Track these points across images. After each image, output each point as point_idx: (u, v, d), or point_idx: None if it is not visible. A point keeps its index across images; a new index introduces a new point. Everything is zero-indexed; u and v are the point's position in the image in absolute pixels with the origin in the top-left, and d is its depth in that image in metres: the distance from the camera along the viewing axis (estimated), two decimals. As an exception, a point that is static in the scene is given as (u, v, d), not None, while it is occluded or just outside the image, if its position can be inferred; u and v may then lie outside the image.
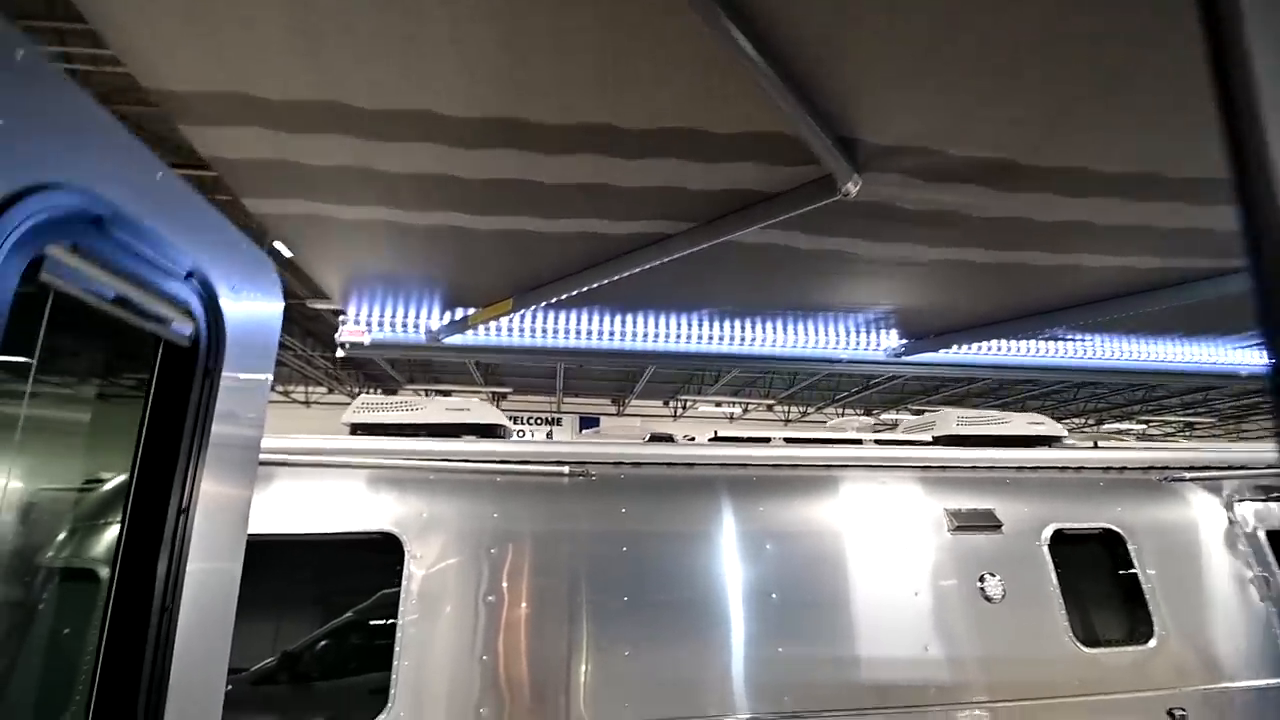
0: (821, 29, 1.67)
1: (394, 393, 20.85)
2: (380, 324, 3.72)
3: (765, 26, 1.66)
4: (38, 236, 0.86)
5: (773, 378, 21.23)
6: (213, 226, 1.30)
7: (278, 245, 8.98)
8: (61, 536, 1.54)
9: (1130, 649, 2.92)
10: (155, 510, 1.19)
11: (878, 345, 4.00)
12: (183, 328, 1.21)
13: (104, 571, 1.23)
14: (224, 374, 1.30)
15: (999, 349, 4.04)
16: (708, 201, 2.51)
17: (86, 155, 0.97)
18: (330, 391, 21.94)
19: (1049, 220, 2.56)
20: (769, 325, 3.85)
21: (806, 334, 3.90)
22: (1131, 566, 3.04)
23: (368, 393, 21.25)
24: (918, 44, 1.70)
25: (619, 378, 21.66)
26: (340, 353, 3.69)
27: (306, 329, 17.51)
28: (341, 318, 3.71)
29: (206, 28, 1.73)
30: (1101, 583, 3.08)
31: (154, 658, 1.15)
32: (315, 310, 13.93)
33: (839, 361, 3.99)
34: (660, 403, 24.43)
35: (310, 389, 22.60)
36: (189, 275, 1.21)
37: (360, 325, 3.68)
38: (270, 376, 1.53)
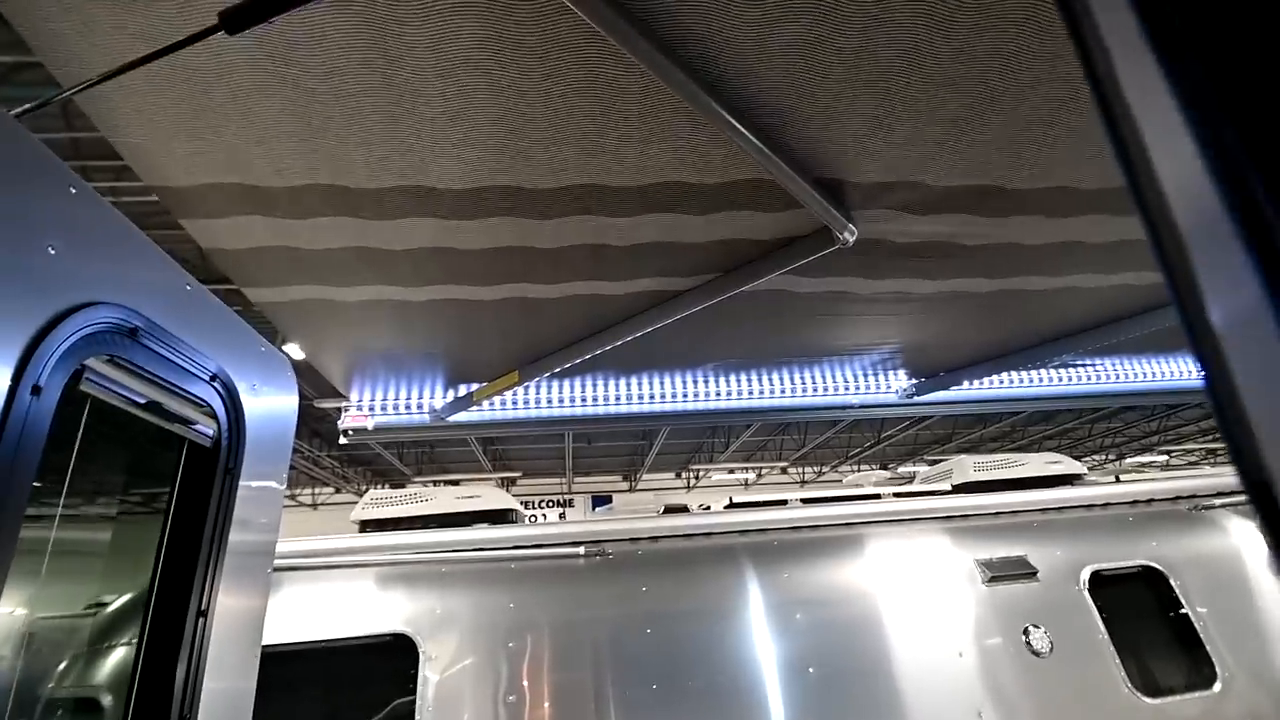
0: (786, 82, 1.75)
1: (402, 486, 20.50)
2: (384, 407, 3.69)
3: (734, 89, 1.73)
4: (81, 350, 0.95)
5: (784, 440, 20.95)
6: (235, 331, 1.39)
7: (286, 349, 9.18)
8: (83, 641, 1.51)
9: (1196, 695, 2.71)
10: (175, 613, 1.22)
11: (888, 387, 3.94)
12: (205, 428, 1.28)
13: (120, 684, 1.25)
14: (244, 470, 1.35)
15: (1011, 381, 3.99)
16: (704, 254, 2.54)
17: (125, 274, 1.06)
18: (338, 491, 21.63)
19: (1040, 243, 2.58)
20: (777, 376, 3.81)
21: (815, 382, 3.86)
22: (1179, 605, 2.88)
23: (375, 488, 20.86)
24: (877, 85, 1.77)
25: (628, 452, 21.37)
26: (343, 440, 3.64)
27: (313, 429, 17.49)
28: (344, 404, 3.68)
29: (207, 124, 1.81)
30: (1149, 625, 2.90)
31: None
32: (323, 410, 14.00)
33: (851, 407, 3.92)
34: (672, 474, 23.96)
35: (317, 490, 22.30)
36: (213, 378, 1.28)
37: (363, 410, 3.65)
38: (286, 468, 1.57)
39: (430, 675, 2.39)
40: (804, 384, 3.90)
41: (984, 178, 2.20)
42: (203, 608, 1.25)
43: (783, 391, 3.89)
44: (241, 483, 1.34)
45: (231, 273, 2.39)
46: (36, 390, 0.87)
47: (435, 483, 19.86)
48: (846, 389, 3.92)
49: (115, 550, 1.52)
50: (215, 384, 1.28)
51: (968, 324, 3.29)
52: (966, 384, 3.91)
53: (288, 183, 2.01)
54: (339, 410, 3.69)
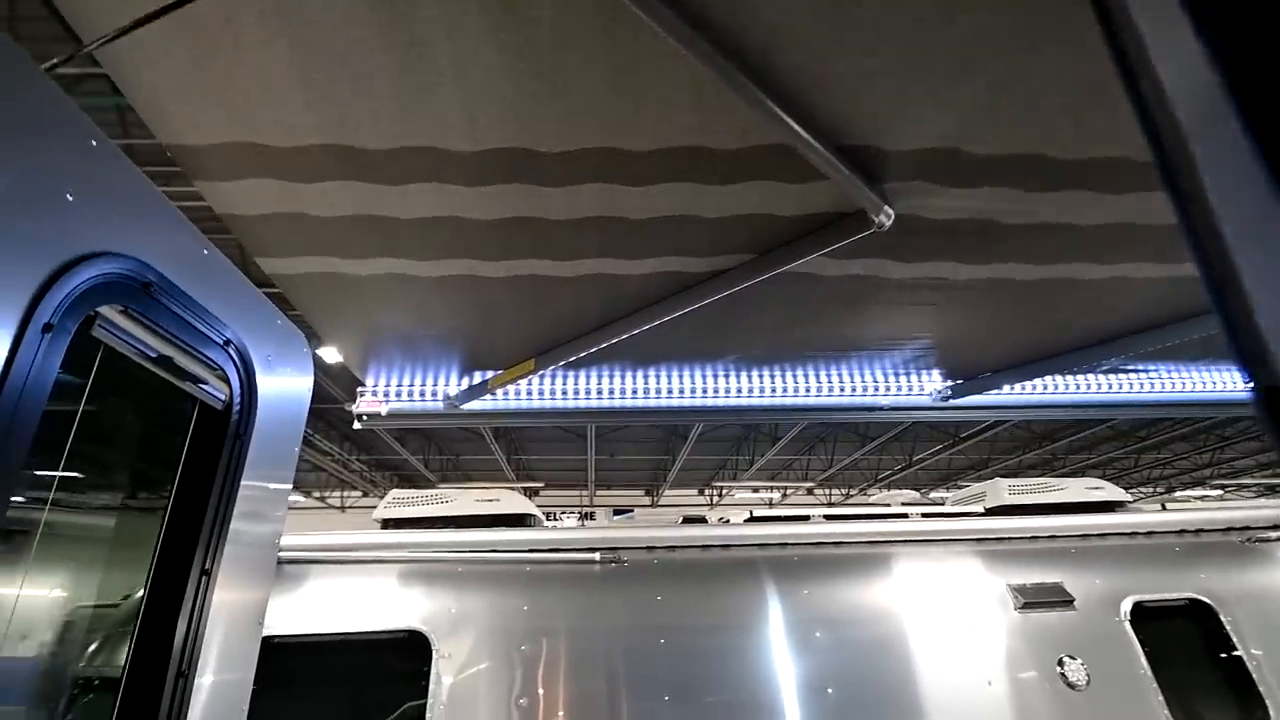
0: (811, 43, 1.64)
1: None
2: (398, 393, 3.64)
3: (760, 55, 1.63)
4: (93, 297, 0.99)
5: (810, 460, 20.47)
6: (251, 302, 1.41)
7: (320, 353, 9.41)
8: (87, 591, 1.55)
9: None
10: (177, 578, 1.23)
11: (921, 389, 3.73)
12: (218, 391, 1.30)
13: (124, 629, 1.28)
14: (254, 438, 1.36)
15: (1055, 387, 3.74)
16: (723, 231, 2.43)
17: (141, 230, 1.10)
18: (365, 495, 21.96)
19: (1090, 223, 2.39)
20: (800, 373, 3.65)
21: (842, 380, 3.68)
22: (1229, 642, 2.72)
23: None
24: (910, 41, 1.64)
25: (651, 467, 21.15)
26: (356, 425, 3.60)
27: (344, 433, 17.80)
28: (360, 389, 3.64)
29: (217, 77, 1.78)
30: (1196, 662, 2.74)
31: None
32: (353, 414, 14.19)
33: (880, 409, 3.72)
34: (694, 491, 23.63)
35: (345, 493, 22.69)
36: (226, 343, 1.30)
37: (377, 396, 3.60)
38: (297, 444, 1.58)
39: (443, 673, 2.38)
40: (830, 382, 3.72)
41: (1028, 145, 2.04)
42: (206, 567, 1.25)
43: (807, 390, 3.72)
44: (251, 450, 1.36)
45: (245, 239, 2.36)
46: (48, 328, 0.90)
47: (459, 488, 19.90)
48: (876, 389, 3.73)
49: (123, 501, 1.56)
50: (229, 349, 1.30)
51: (1008, 318, 3.08)
52: (1006, 388, 3.68)
53: (296, 141, 1.97)
54: (355, 395, 3.66)
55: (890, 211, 2.23)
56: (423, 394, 3.64)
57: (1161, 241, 2.53)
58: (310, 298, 2.76)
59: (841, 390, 3.68)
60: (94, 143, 1.01)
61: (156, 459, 1.48)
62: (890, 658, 2.56)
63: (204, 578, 1.25)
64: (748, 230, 2.43)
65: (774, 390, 3.70)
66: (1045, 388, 3.79)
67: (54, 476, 1.26)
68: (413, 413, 3.66)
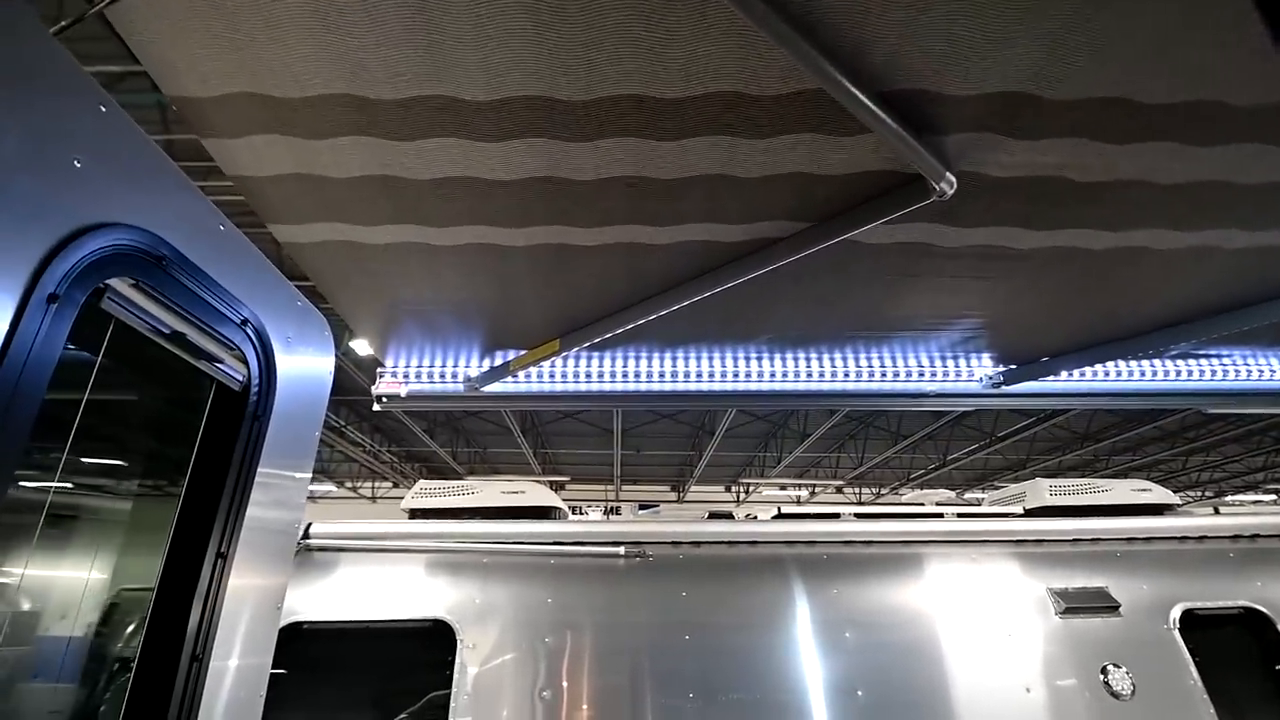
0: None
1: (453, 484, 21.03)
2: (418, 374, 3.54)
3: None
4: (103, 269, 0.95)
5: (840, 458, 20.05)
6: (270, 281, 1.36)
7: (352, 345, 9.49)
8: (104, 577, 1.51)
9: None
10: (192, 559, 1.20)
11: (970, 374, 3.48)
12: (235, 371, 1.27)
13: (137, 614, 1.25)
14: (273, 420, 1.33)
15: (1120, 374, 3.45)
16: (761, 194, 2.24)
17: (154, 202, 1.05)
18: (395, 486, 22.38)
19: (1175, 181, 2.13)
20: (839, 356, 3.43)
21: (884, 363, 3.45)
22: None
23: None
24: None
25: (678, 462, 21.00)
26: (376, 406, 3.50)
27: (375, 424, 18.10)
28: (379, 370, 3.55)
29: (223, 23, 1.67)
30: (1250, 674, 2.63)
31: (180, 710, 1.14)
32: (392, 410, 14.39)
33: (926, 395, 3.48)
34: (721, 487, 23.42)
35: (376, 484, 23.15)
36: (244, 323, 1.26)
37: (396, 377, 3.50)
38: (318, 428, 1.54)
39: (468, 663, 2.38)
40: (871, 366, 3.49)
41: (1112, 88, 1.80)
42: (222, 550, 1.23)
43: (846, 375, 3.50)
44: (270, 432, 1.33)
45: (255, 204, 2.27)
46: (53, 299, 0.87)
47: (485, 480, 20.13)
48: (920, 374, 3.49)
49: (137, 484, 1.52)
50: (247, 328, 1.26)
51: (1072, 294, 2.82)
52: (1065, 374, 3.40)
53: (305, 92, 1.85)
54: (376, 375, 3.57)
55: (952, 179, 2.03)
56: (443, 375, 3.53)
57: (1254, 204, 2.26)
58: (325, 269, 2.65)
59: (884, 375, 3.45)
60: (103, 108, 0.96)
61: (172, 440, 1.44)
62: (923, 661, 2.49)
63: (220, 561, 1.23)
64: (789, 193, 2.23)
65: (810, 374, 3.49)
66: (1107, 374, 3.50)
67: (61, 455, 1.21)
68: (433, 395, 3.56)
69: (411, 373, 3.57)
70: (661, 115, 1.90)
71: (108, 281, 0.97)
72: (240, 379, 1.28)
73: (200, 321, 1.15)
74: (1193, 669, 2.50)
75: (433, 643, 2.44)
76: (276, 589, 1.43)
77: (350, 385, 11.24)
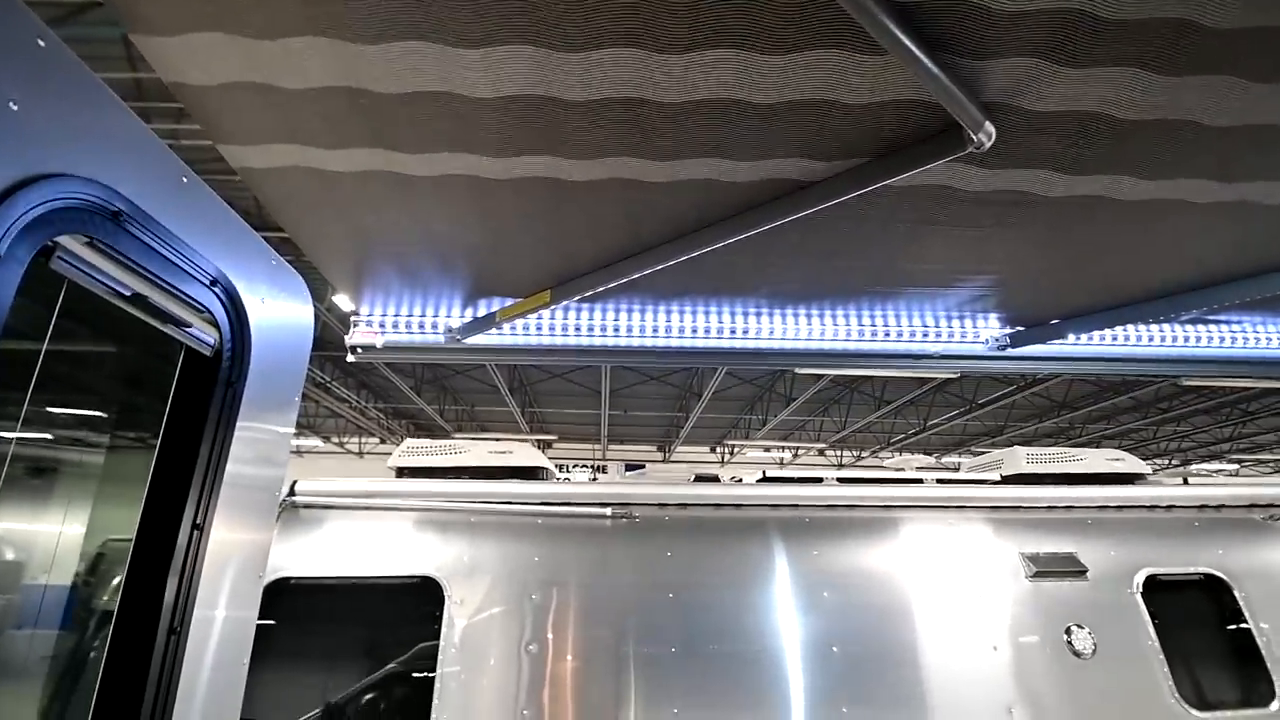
0: None
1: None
2: (394, 324, 3.31)
3: None
4: (49, 225, 0.86)
5: (823, 421, 20.21)
6: (241, 236, 1.28)
7: (335, 300, 9.15)
8: (70, 555, 1.46)
9: (1251, 713, 2.61)
10: (166, 532, 1.15)
11: (976, 335, 3.33)
12: (205, 336, 1.19)
13: (109, 594, 1.23)
14: (248, 386, 1.27)
15: (1130, 338, 3.31)
16: (772, 124, 2.00)
17: (105, 150, 0.96)
18: (382, 442, 22.28)
19: (1224, 124, 1.94)
20: (841, 313, 3.25)
21: (887, 322, 3.28)
22: (1241, 618, 2.76)
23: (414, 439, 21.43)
24: None
25: (664, 423, 21.04)
26: (350, 358, 3.29)
27: (361, 380, 17.81)
28: (354, 317, 3.31)
29: None
30: (1206, 636, 2.80)
31: (159, 685, 1.11)
32: (370, 363, 14.09)
33: (929, 357, 3.34)
34: (707, 448, 23.60)
35: (364, 440, 22.99)
36: (213, 283, 1.18)
37: (372, 326, 3.27)
38: (298, 392, 1.49)
39: (455, 617, 2.43)
40: (874, 325, 3.33)
41: (1172, 7, 1.58)
42: (198, 522, 1.19)
43: (848, 334, 3.33)
44: (245, 399, 1.26)
45: (199, 118, 1.99)
46: None
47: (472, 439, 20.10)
48: (925, 335, 3.33)
49: (106, 452, 1.44)
50: (216, 289, 1.19)
51: (1094, 251, 2.64)
52: (1073, 338, 3.27)
53: (253, -17, 1.57)
54: (350, 323, 3.34)
55: (991, 130, 1.85)
56: (422, 325, 3.30)
57: None
58: (286, 200, 2.39)
59: (887, 335, 3.29)
60: (42, 43, 0.85)
61: (140, 410, 1.39)
62: (896, 620, 2.58)
63: (196, 532, 1.18)
64: (804, 125, 2.00)
65: (810, 333, 3.32)
66: (1115, 339, 3.37)
67: (16, 423, 1.17)
68: (411, 346, 3.34)
69: (388, 321, 3.34)
70: (667, 19, 1.65)
71: (56, 239, 0.88)
72: (211, 343, 1.21)
73: (163, 282, 1.07)
74: (1151, 630, 2.64)
75: (421, 599, 2.47)
76: (258, 557, 1.38)
77: (335, 340, 10.92)
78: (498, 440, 3.53)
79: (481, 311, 3.29)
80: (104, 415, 1.48)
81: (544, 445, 20.81)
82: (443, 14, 1.62)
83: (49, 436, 1.40)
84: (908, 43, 1.61)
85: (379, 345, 3.27)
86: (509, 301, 3.21)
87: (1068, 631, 2.62)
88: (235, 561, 1.29)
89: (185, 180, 1.13)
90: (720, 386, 14.84)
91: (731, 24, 1.65)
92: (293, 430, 1.48)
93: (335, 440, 22.84)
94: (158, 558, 1.14)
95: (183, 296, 1.12)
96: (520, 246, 2.76)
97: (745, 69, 1.79)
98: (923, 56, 1.64)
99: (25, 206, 0.81)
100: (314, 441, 22.02)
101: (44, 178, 0.84)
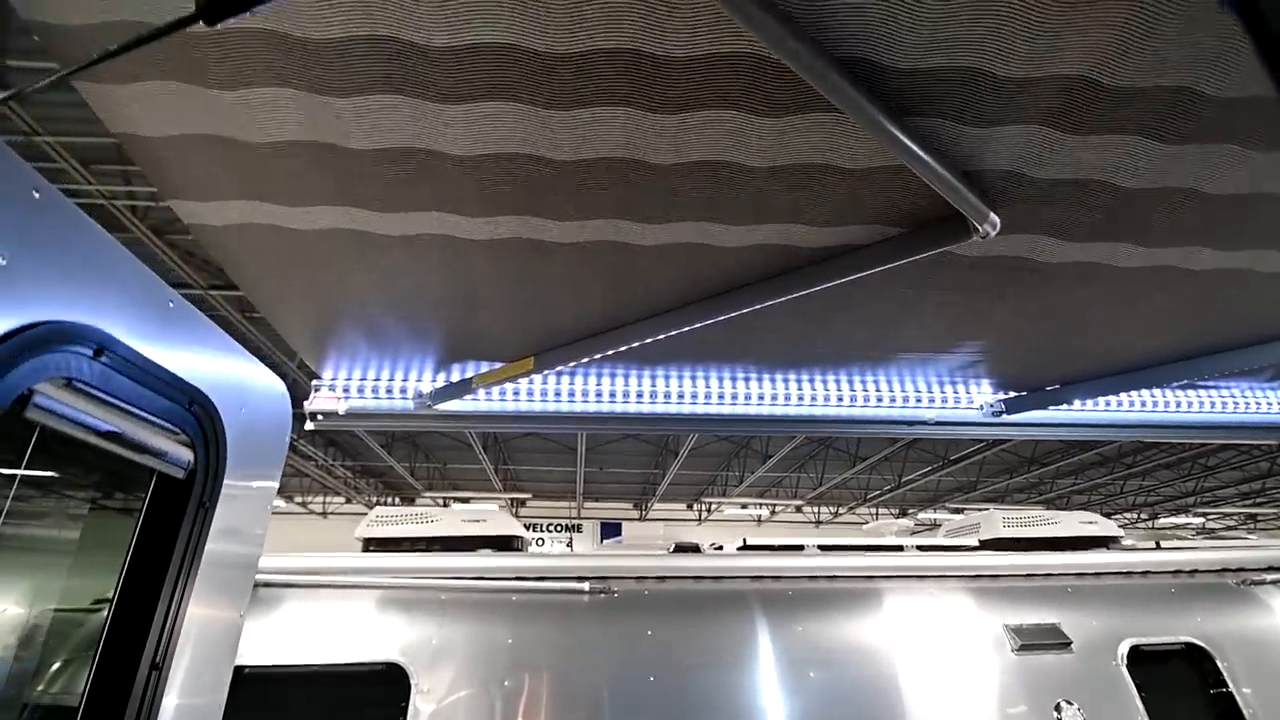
0: None
1: (412, 501, 20.18)
2: (360, 388, 3.08)
3: None
4: (29, 374, 0.84)
5: (800, 477, 20.03)
6: (223, 351, 1.27)
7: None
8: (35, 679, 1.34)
9: None
10: (125, 669, 1.09)
11: (970, 401, 3.23)
12: (179, 458, 1.17)
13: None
14: (222, 502, 1.25)
15: (1123, 404, 3.26)
16: (764, 187, 1.91)
17: (92, 290, 0.95)
18: (348, 501, 21.32)
19: (1223, 192, 1.90)
20: (832, 380, 3.13)
21: (879, 388, 3.17)
22: (1225, 687, 2.71)
23: (384, 503, 20.53)
24: None
25: (640, 480, 20.59)
26: (309, 425, 3.03)
27: (329, 439, 17.10)
28: (315, 383, 3.07)
29: None
30: (1192, 708, 2.73)
31: None
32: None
33: (922, 423, 3.22)
34: (684, 505, 23.11)
35: (329, 499, 21.99)
36: (191, 404, 1.17)
37: (335, 391, 3.03)
38: (271, 499, 1.47)
39: (421, 707, 2.28)
40: (865, 391, 3.21)
41: (1177, 76, 1.55)
42: (156, 661, 1.13)
43: (840, 399, 3.21)
44: (217, 518, 1.24)
45: (149, 172, 1.82)
46: None
47: (445, 500, 19.34)
48: (918, 401, 3.22)
49: (64, 581, 1.36)
50: (193, 409, 1.18)
51: (1094, 317, 2.59)
52: (1079, 403, 3.20)
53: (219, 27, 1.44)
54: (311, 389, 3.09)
55: (996, 220, 1.81)
56: (389, 391, 3.07)
57: None
58: (244, 259, 2.20)
59: (879, 401, 3.17)
60: (37, 194, 0.86)
61: (105, 537, 1.31)
62: (887, 699, 2.51)
63: (154, 673, 1.12)
64: (796, 188, 1.92)
65: (801, 398, 3.18)
66: (1108, 405, 3.31)
67: None
68: (378, 413, 3.10)
69: (353, 386, 3.10)
70: (660, 77, 1.55)
71: (33, 387, 0.86)
72: (185, 465, 1.18)
73: (141, 412, 1.06)
74: (1140, 705, 2.57)
75: (385, 688, 2.32)
76: (219, 693, 1.32)
77: (300, 395, 10.45)
78: (470, 504, 3.28)
79: (455, 377, 3.09)
80: (68, 536, 1.38)
81: (518, 504, 20.11)
82: (422, 70, 1.49)
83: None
84: (912, 145, 1.56)
85: (341, 412, 3.02)
86: (485, 366, 3.02)
87: (1058, 709, 2.53)
88: (195, 697, 1.23)
89: (171, 305, 1.12)
90: (697, 443, 14.64)
91: (727, 82, 1.56)
92: (264, 544, 1.43)
93: (299, 500, 21.76)
94: (113, 698, 1.08)
95: (159, 423, 1.09)
96: (498, 310, 2.59)
97: (740, 131, 1.70)
98: (926, 156, 1.59)
99: (3, 357, 0.80)
100: (277, 502, 20.90)
101: (28, 328, 0.83)
